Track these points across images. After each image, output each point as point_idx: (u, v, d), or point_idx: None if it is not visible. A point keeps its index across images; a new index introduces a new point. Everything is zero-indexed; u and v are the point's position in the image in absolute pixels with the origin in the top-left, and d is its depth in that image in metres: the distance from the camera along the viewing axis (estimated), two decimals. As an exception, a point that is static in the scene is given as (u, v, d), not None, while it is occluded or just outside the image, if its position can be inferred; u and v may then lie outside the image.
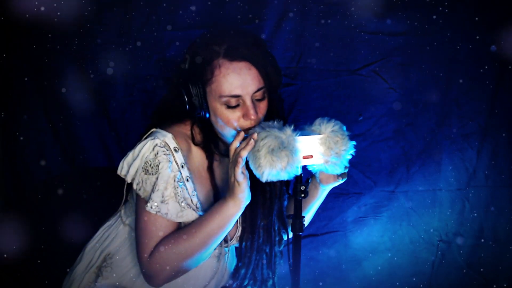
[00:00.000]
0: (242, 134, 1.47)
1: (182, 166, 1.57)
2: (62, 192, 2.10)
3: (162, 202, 1.53)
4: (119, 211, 1.75)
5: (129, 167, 1.56)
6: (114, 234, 1.72)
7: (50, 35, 2.06)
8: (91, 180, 2.14)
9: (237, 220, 1.64)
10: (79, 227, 1.95)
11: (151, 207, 1.52)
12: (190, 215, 1.57)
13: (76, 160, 2.18)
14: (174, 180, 1.55)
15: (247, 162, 1.46)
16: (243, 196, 1.49)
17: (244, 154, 1.43)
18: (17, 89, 2.10)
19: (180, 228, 1.58)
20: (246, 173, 1.48)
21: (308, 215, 1.75)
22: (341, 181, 1.62)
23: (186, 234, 1.53)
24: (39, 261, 2.09)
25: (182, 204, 1.55)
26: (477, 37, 2.13)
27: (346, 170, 1.57)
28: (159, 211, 1.53)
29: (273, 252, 1.70)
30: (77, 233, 1.88)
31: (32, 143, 2.14)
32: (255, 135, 1.43)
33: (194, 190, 1.59)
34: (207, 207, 1.62)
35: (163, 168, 1.53)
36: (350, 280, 2.32)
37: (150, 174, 1.53)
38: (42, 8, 2.00)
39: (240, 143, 1.46)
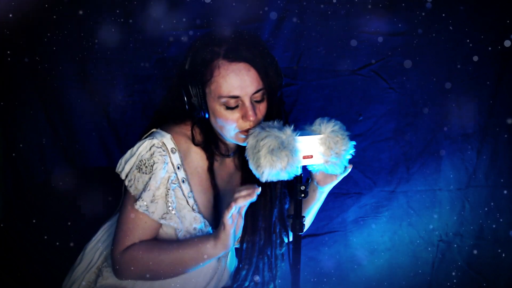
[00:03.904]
0: (254, 186, 1.45)
1: (179, 168, 1.57)
2: (62, 192, 2.10)
3: (152, 201, 1.53)
4: (119, 210, 1.75)
5: (125, 164, 1.57)
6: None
7: (49, 35, 2.06)
8: (91, 180, 2.14)
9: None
10: (79, 227, 1.95)
11: (140, 206, 1.53)
12: (173, 221, 1.57)
13: (76, 160, 2.18)
14: (168, 182, 1.55)
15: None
16: (225, 240, 1.48)
17: (240, 202, 1.43)
18: (17, 89, 2.10)
19: (158, 240, 1.59)
20: (240, 222, 1.49)
21: (308, 218, 1.75)
22: (338, 179, 1.62)
23: (159, 249, 1.55)
24: (39, 261, 2.09)
25: (170, 207, 1.56)
26: (477, 37, 2.12)
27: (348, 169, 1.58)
28: (146, 210, 1.53)
29: (273, 255, 1.70)
30: (77, 233, 1.88)
31: (32, 143, 2.14)
32: (259, 189, 1.43)
33: (191, 191, 1.59)
34: (206, 208, 1.63)
35: (157, 168, 1.53)
36: (350, 280, 2.31)
37: (143, 173, 1.54)
38: (42, 8, 1.99)
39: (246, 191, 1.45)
